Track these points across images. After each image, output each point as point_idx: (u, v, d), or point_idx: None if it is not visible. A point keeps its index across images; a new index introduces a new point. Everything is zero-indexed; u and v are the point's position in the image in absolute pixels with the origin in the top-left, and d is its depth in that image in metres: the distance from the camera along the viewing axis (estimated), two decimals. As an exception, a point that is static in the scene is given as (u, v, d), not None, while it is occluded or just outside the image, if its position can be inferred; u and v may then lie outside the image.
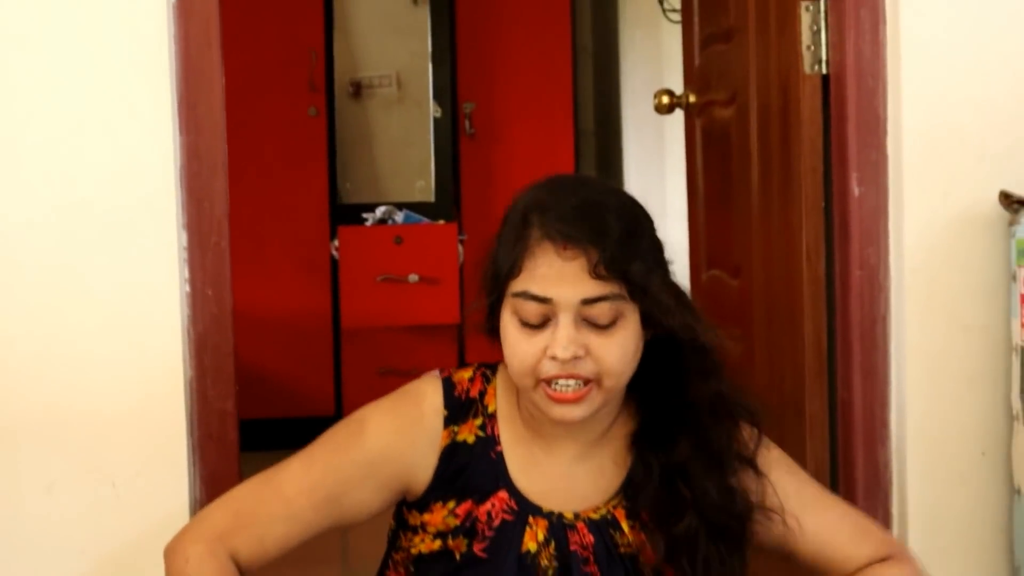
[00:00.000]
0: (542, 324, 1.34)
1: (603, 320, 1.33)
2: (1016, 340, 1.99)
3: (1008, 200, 2.01)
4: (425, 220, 4.86)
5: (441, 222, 4.82)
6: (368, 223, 4.88)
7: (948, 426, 2.07)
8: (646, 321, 1.37)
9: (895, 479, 2.08)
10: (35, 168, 1.87)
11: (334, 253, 4.84)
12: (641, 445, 1.43)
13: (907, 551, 1.40)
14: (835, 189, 2.13)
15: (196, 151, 1.91)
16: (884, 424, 2.08)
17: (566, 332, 1.32)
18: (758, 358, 2.50)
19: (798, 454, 2.20)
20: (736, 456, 1.43)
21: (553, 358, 1.32)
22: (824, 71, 2.15)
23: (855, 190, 2.08)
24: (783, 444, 2.27)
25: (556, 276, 1.32)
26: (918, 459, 2.06)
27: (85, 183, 1.88)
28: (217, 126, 1.92)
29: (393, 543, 1.51)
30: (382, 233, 4.84)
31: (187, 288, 1.93)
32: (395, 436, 1.45)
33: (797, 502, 1.45)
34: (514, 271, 1.35)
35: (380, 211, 4.88)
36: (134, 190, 1.90)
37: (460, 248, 4.65)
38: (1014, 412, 2.01)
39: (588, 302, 1.32)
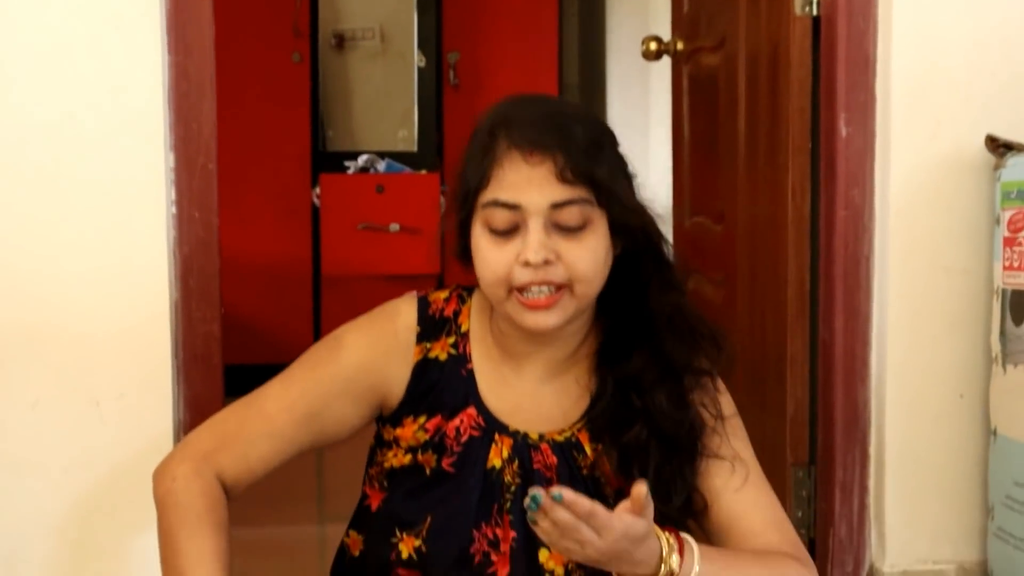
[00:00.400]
0: (512, 232, 1.35)
1: (572, 223, 1.34)
2: (997, 283, 2.01)
3: (994, 144, 2.03)
4: (407, 170, 4.83)
5: (423, 172, 4.80)
6: (350, 171, 4.85)
7: (927, 367, 2.09)
8: (615, 230, 1.38)
9: (873, 419, 2.10)
10: (21, 84, 1.86)
11: (315, 200, 4.81)
12: (602, 362, 1.44)
13: (811, 561, 1.40)
14: (822, 129, 2.14)
15: (185, 71, 1.90)
16: (864, 364, 2.10)
17: (536, 237, 1.33)
18: (740, 301, 2.51)
19: (778, 395, 2.22)
20: (692, 371, 1.43)
21: (525, 264, 1.33)
22: (815, 12, 2.15)
23: (842, 131, 2.09)
24: (764, 385, 2.31)
25: (524, 182, 1.33)
26: (897, 399, 2.09)
27: (72, 100, 1.87)
28: (206, 47, 1.91)
29: (371, 459, 1.53)
30: (364, 182, 4.80)
31: (173, 210, 1.92)
32: (370, 351, 1.46)
33: (724, 480, 1.44)
34: (483, 183, 1.36)
35: (362, 159, 4.85)
36: (121, 109, 1.88)
37: (442, 199, 4.63)
38: (993, 354, 2.03)
39: (557, 206, 1.33)
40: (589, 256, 1.35)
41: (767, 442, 2.29)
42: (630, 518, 1.17)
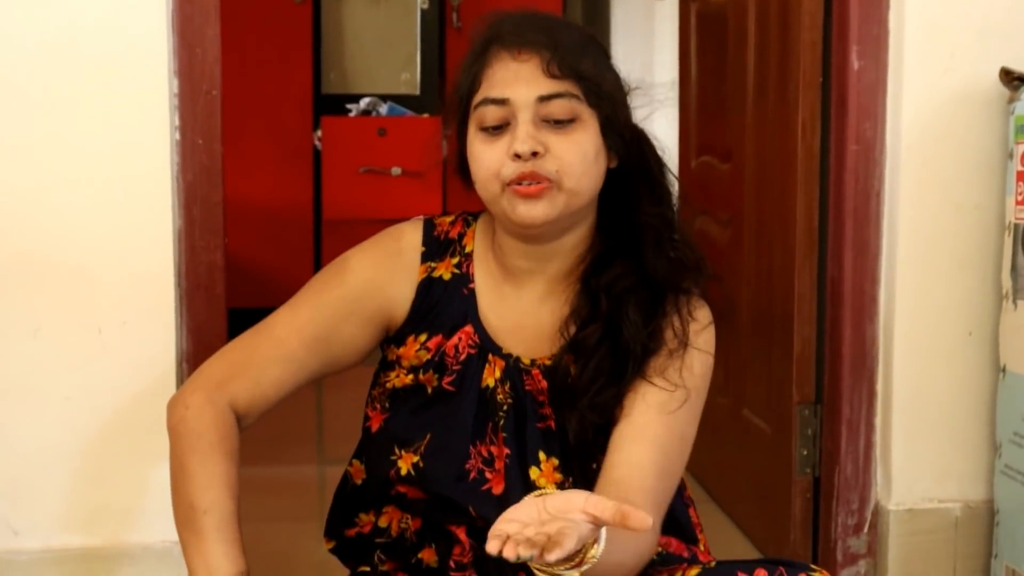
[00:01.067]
0: (503, 128, 1.35)
1: (561, 116, 1.35)
2: (1009, 218, 1.99)
3: (1008, 77, 2.00)
4: (409, 113, 4.80)
5: (426, 116, 4.77)
6: (352, 114, 4.82)
7: (936, 304, 2.07)
8: (607, 135, 1.38)
9: (881, 357, 2.09)
10: (22, 6, 1.82)
11: (317, 144, 4.78)
12: (586, 274, 1.44)
13: (657, 527, 1.35)
14: (834, 62, 2.11)
15: (189, -5, 1.87)
16: (873, 301, 2.08)
17: (524, 129, 1.34)
18: (747, 241, 2.49)
19: (785, 334, 2.21)
20: (671, 288, 1.41)
21: (515, 156, 1.33)
22: (828, -57, 2.11)
23: (854, 64, 2.05)
24: (771, 325, 2.29)
25: (512, 77, 1.35)
26: (905, 337, 2.07)
27: (73, 24, 1.84)
28: (210, -30, 1.87)
29: (374, 382, 1.53)
30: (366, 125, 4.78)
31: (177, 136, 1.89)
32: (375, 271, 1.47)
33: (658, 403, 1.40)
34: (474, 86, 1.38)
35: (364, 102, 4.82)
36: (124, 33, 1.85)
37: (444, 142, 4.59)
38: (1003, 291, 2.01)
39: (544, 99, 1.34)
40: (577, 150, 1.35)
41: (774, 381, 2.30)
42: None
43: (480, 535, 1.40)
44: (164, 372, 1.90)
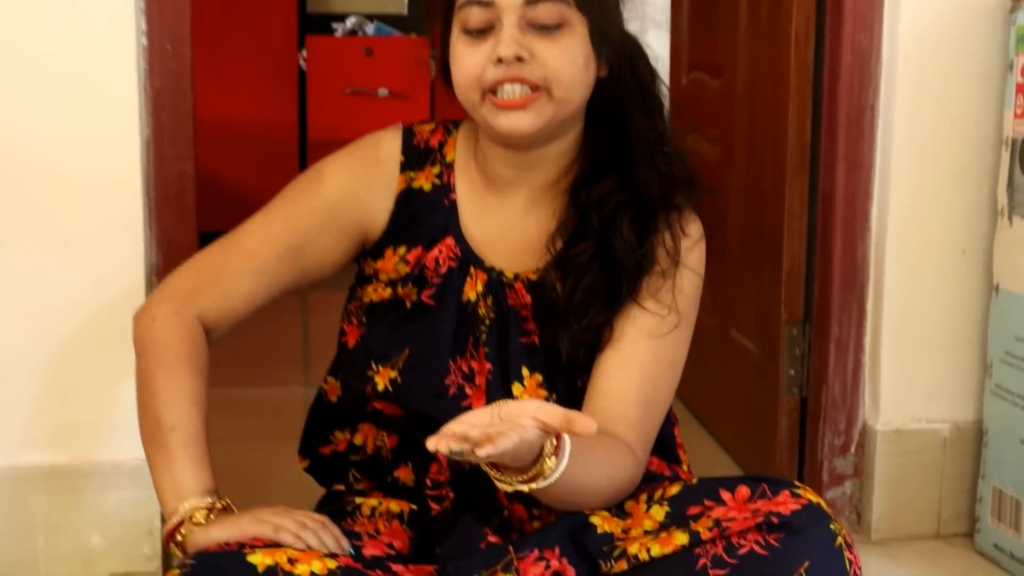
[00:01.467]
0: (487, 32, 1.30)
1: (548, 20, 1.29)
2: (1007, 132, 1.93)
3: (1010, -15, 1.93)
4: (397, 33, 4.71)
5: (413, 36, 4.68)
6: (338, 34, 4.72)
7: (930, 221, 2.02)
8: (596, 43, 1.32)
9: (872, 275, 2.04)
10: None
11: (302, 64, 4.70)
12: (575, 187, 1.39)
13: (644, 458, 1.33)
14: (830, -30, 2.03)
15: None
16: (865, 217, 2.03)
17: (509, 32, 1.28)
18: (737, 157, 2.43)
19: (774, 251, 2.16)
20: (663, 204, 1.37)
21: (498, 61, 1.28)
22: None
23: (851, -30, 1.98)
24: (760, 242, 2.24)
25: None
26: (897, 255, 2.02)
27: (34, -79, 1.75)
28: None
29: (350, 296, 1.48)
30: (352, 45, 4.69)
31: (144, 41, 1.82)
32: (352, 180, 1.41)
33: (648, 328, 1.36)
34: None
35: (350, 22, 4.73)
36: (87, -69, 1.77)
37: (432, 63, 4.51)
38: (999, 207, 1.96)
39: (531, 2, 1.28)
40: (565, 56, 1.30)
41: (762, 300, 2.25)
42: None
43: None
44: (132, 285, 1.84)
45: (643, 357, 1.33)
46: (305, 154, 4.70)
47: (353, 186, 1.41)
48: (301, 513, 1.28)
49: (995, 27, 1.96)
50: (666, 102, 1.43)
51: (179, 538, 1.28)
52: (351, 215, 1.41)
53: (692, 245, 1.38)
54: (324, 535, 1.25)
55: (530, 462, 1.13)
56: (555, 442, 1.14)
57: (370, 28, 4.71)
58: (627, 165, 1.37)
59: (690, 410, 2.63)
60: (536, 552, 1.26)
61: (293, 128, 4.72)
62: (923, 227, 2.02)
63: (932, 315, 2.04)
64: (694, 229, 1.39)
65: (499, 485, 1.15)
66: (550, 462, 1.12)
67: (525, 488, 1.15)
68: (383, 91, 4.60)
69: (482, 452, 1.02)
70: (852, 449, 2.06)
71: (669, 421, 1.46)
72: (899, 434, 2.04)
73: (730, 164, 2.45)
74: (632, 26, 1.42)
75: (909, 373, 2.04)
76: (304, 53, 4.64)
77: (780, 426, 2.13)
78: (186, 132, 1.86)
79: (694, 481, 1.33)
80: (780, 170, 2.16)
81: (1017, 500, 1.88)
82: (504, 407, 1.08)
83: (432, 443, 1.03)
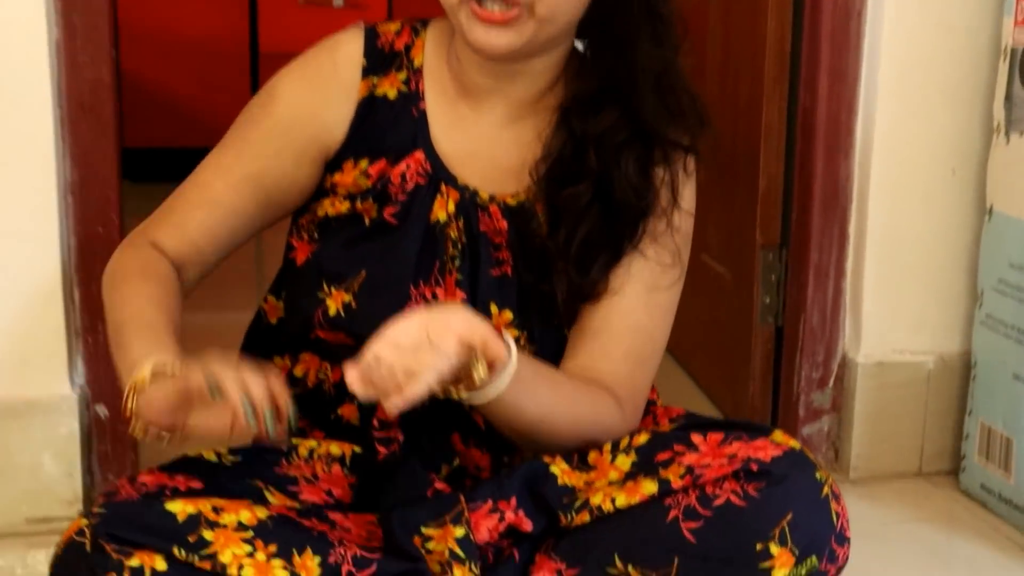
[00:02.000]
0: None
1: None
2: (1006, 41, 1.78)
3: None
4: (352, -62, 4.47)
5: (370, -60, 4.45)
6: (290, -63, 4.48)
7: (918, 138, 1.88)
8: None
9: (855, 196, 1.90)
10: None
11: (252, -30, 4.46)
12: (567, 113, 1.26)
13: (634, 415, 1.24)
14: None
15: None
16: (849, 134, 1.88)
17: None
18: (710, 66, 2.26)
19: (750, 170, 2.02)
20: (670, 143, 1.25)
21: None
22: None
23: None
24: (734, 160, 2.09)
25: None
26: (882, 174, 1.88)
27: None
28: None
29: (303, 209, 1.33)
30: (305, -51, 4.46)
31: (50, -73, 1.63)
32: (307, 95, 1.28)
33: (646, 281, 1.25)
34: None
35: (303, -75, 4.48)
36: None
37: (390, -30, 4.31)
38: (995, 123, 1.81)
39: None
40: None
41: (735, 223, 2.12)
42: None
43: None
44: (46, 204, 1.67)
45: (638, 314, 1.24)
46: (257, 67, 4.48)
47: (308, 102, 1.28)
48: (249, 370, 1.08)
49: (994, -76, 1.80)
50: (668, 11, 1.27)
51: (130, 415, 1.10)
52: (307, 134, 1.28)
53: (688, 180, 1.28)
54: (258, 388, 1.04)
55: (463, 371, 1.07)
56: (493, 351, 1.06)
57: (325, -68, 4.47)
58: (629, 97, 1.24)
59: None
60: (490, 503, 1.15)
61: (244, 39, 4.49)
62: (911, 145, 1.88)
63: (919, 239, 1.91)
64: (692, 166, 1.29)
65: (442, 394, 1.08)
66: (478, 368, 1.06)
67: (455, 395, 1.08)
68: (338, 0, 4.38)
69: (389, 406, 0.98)
70: (831, 382, 1.94)
71: None
72: (881, 366, 1.92)
73: (702, 74, 2.28)
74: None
75: (893, 302, 1.92)
76: (254, -41, 4.41)
77: (754, 357, 2.02)
78: (102, 34, 1.68)
79: (664, 426, 1.21)
80: (757, 81, 2.00)
81: (1008, 438, 1.75)
82: (432, 323, 1.03)
83: (349, 378, 1.01)
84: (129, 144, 4.48)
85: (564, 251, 1.23)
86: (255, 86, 4.48)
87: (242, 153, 1.28)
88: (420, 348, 1.01)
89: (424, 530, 1.12)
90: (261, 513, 1.08)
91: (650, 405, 1.33)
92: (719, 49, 2.22)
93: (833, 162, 1.88)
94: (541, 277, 1.24)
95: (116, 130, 1.73)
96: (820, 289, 1.91)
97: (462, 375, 1.06)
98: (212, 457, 1.20)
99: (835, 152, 1.88)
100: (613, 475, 1.15)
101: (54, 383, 1.70)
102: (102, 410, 1.74)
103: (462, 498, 1.15)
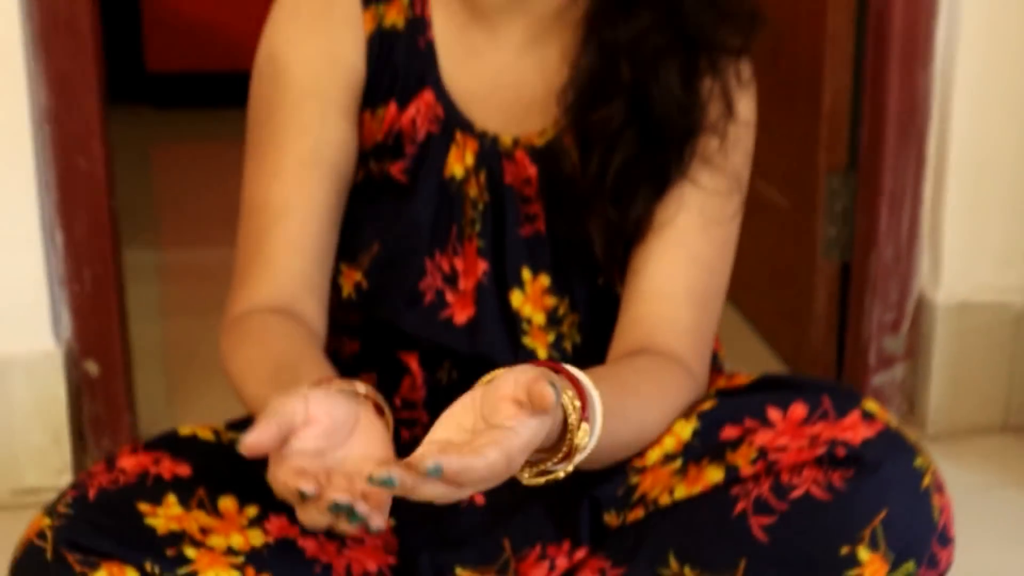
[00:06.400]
0: None
1: None
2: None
3: None
4: None
5: None
6: None
7: (1010, 44, 1.70)
8: None
9: (936, 113, 1.74)
10: None
11: None
12: (594, 22, 1.09)
13: (704, 371, 1.08)
14: None
15: None
16: (928, 41, 1.71)
17: None
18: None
19: (812, 83, 1.90)
20: (717, 46, 1.08)
21: None
22: None
23: None
24: (794, 71, 1.93)
25: None
26: (967, 88, 1.71)
27: None
28: None
29: None
30: None
31: None
32: (312, 39, 1.10)
33: (702, 210, 1.09)
34: None
35: None
36: None
37: None
38: (1099, 26, 1.59)
39: None
40: None
41: (794, 143, 1.97)
42: (521, 430, 0.79)
43: (436, 362, 1.09)
44: (18, 134, 1.53)
45: (696, 245, 1.09)
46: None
47: (317, 48, 1.09)
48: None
49: None
50: None
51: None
52: (338, 83, 1.09)
53: (743, 89, 1.11)
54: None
55: (555, 440, 0.84)
56: (578, 403, 0.85)
57: None
58: None
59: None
60: (538, 548, 1.01)
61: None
62: (1002, 54, 1.71)
63: (1008, 163, 1.74)
64: (748, 73, 1.11)
65: (525, 482, 0.86)
66: (582, 433, 0.84)
67: (561, 473, 0.86)
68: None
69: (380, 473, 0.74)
70: (905, 325, 1.79)
71: None
72: (963, 308, 1.76)
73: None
74: None
75: (978, 233, 1.76)
76: None
77: (817, 297, 1.88)
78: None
79: (734, 385, 1.05)
80: (821, -20, 1.82)
81: (1112, 391, 1.56)
82: (485, 396, 0.80)
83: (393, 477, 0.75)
84: (152, 68, 4.40)
85: (598, 185, 1.06)
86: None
87: (281, 142, 1.09)
88: (484, 423, 0.81)
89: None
90: (256, 539, 0.93)
91: (713, 360, 1.16)
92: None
93: (910, 75, 1.72)
94: (578, 226, 1.08)
95: (97, 47, 1.58)
96: (894, 219, 1.76)
97: (557, 445, 0.86)
98: (208, 436, 1.03)
99: (913, 63, 1.72)
100: (670, 443, 0.99)
101: (36, 338, 1.57)
102: (92, 366, 1.61)
103: (506, 544, 1.01)
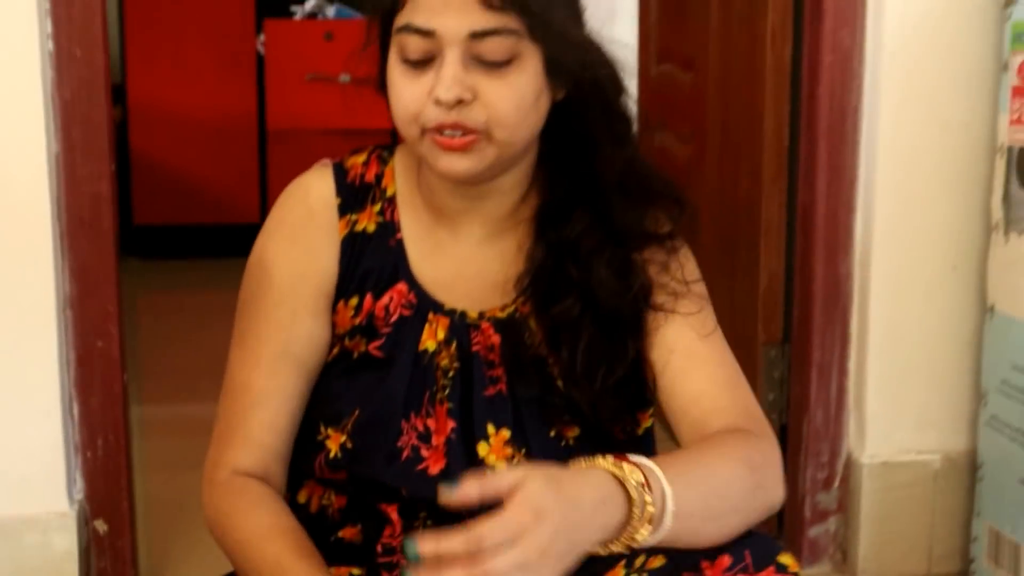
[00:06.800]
0: (427, 63, 1.14)
1: (496, 57, 1.13)
2: (1002, 139, 1.77)
3: (1006, -23, 1.77)
4: (358, 16, 4.53)
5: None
6: (296, 17, 4.55)
7: (918, 236, 1.88)
8: (552, 70, 1.17)
9: (856, 293, 1.90)
10: None
11: (260, 49, 4.52)
12: (541, 223, 1.25)
13: (766, 428, 1.19)
14: (809, -40, 1.87)
15: None
16: (848, 231, 1.89)
17: (451, 71, 1.12)
18: (709, 160, 2.27)
19: (750, 265, 2.02)
20: (642, 235, 1.23)
21: (437, 102, 1.12)
22: None
23: (832, -39, 1.82)
24: (734, 255, 2.09)
25: (441, 5, 1.12)
26: (883, 272, 1.89)
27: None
28: None
29: None
30: (312, 28, 4.52)
31: (50, 46, 1.66)
32: (295, 251, 1.26)
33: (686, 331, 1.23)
34: (398, 3, 1.15)
35: (310, 4, 4.56)
36: (-18, -75, 1.59)
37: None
38: (993, 221, 1.80)
39: (477, 36, 1.12)
40: (512, 96, 1.13)
41: (736, 318, 2.10)
42: (518, 499, 0.93)
43: (413, 514, 1.22)
44: (44, 319, 1.69)
45: (703, 351, 1.20)
46: (265, 143, 4.53)
47: (298, 258, 1.25)
48: None
49: (988, 24, 1.82)
50: (633, 107, 1.26)
51: None
52: (311, 287, 1.25)
53: (680, 259, 1.25)
54: None
55: (623, 513, 0.99)
56: (638, 473, 0.99)
57: (330, 11, 4.53)
58: (596, 200, 1.23)
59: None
60: None
61: (252, 116, 4.54)
62: (911, 242, 1.89)
63: (921, 337, 1.90)
64: (680, 244, 1.26)
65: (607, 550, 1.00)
66: (648, 497, 0.98)
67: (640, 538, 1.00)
68: (345, 77, 4.40)
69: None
70: (836, 482, 1.93)
71: (653, 441, 1.32)
72: (887, 466, 1.91)
73: (702, 166, 2.29)
74: (600, 12, 1.28)
75: (897, 400, 1.91)
76: (262, 38, 4.46)
77: None
78: (101, 148, 1.70)
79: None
80: (756, 177, 2.01)
81: (1017, 544, 1.73)
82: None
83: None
84: (139, 222, 4.58)
85: (570, 370, 1.21)
86: (263, 162, 4.52)
87: (262, 335, 1.25)
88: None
89: None
90: None
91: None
92: (718, 141, 2.23)
93: (833, 259, 1.89)
94: (537, 388, 1.22)
95: (115, 244, 1.74)
96: (823, 387, 1.91)
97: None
98: None
99: (835, 249, 1.89)
100: None
101: (52, 500, 1.70)
102: (101, 525, 1.74)
103: None
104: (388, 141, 1.37)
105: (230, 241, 4.66)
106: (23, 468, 1.69)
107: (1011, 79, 1.74)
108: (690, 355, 1.20)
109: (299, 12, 4.54)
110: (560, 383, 1.23)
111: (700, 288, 1.26)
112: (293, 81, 4.49)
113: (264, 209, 4.49)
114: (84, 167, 1.69)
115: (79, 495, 1.72)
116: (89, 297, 1.71)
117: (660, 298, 1.22)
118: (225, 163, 4.50)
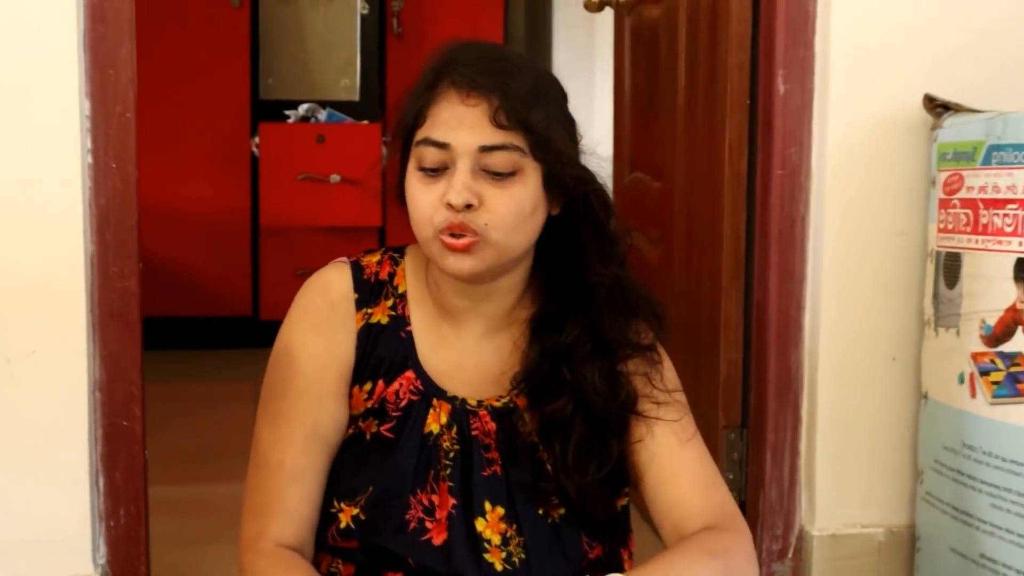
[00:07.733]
0: (441, 172, 1.32)
1: (501, 168, 1.30)
2: (931, 245, 1.99)
3: (932, 104, 2.00)
4: (349, 120, 4.75)
5: (365, 122, 4.72)
6: (290, 120, 4.76)
7: (860, 330, 2.07)
8: (550, 186, 1.34)
9: (806, 382, 2.08)
10: (-72, 26, 1.77)
11: (254, 150, 4.72)
12: (536, 328, 1.41)
13: (740, 523, 1.34)
14: (761, 86, 2.10)
15: (101, 15, 1.83)
16: (798, 326, 2.08)
17: (461, 179, 1.29)
18: (676, 260, 2.48)
19: (712, 356, 2.19)
20: (631, 346, 1.39)
21: (448, 205, 1.30)
22: (755, -35, 2.11)
23: (780, 87, 2.05)
24: (698, 347, 2.28)
25: (457, 122, 1.30)
26: (829, 362, 2.07)
27: (-19, 44, 1.79)
28: (124, -11, 1.83)
29: None
30: (304, 131, 4.71)
31: (89, 159, 1.85)
32: (319, 341, 1.40)
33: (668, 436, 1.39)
34: (419, 120, 1.33)
35: (303, 108, 4.76)
36: (33, 53, 1.81)
37: (384, 149, 4.56)
38: (925, 318, 2.01)
39: (486, 150, 1.30)
40: (512, 204, 1.31)
41: (700, 404, 2.27)
42: None
43: None
44: (76, 402, 1.86)
45: (682, 455, 1.35)
46: (258, 240, 4.71)
47: (322, 348, 1.40)
48: None
49: (918, 144, 2.03)
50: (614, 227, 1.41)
51: None
52: (333, 373, 1.40)
53: (659, 367, 1.42)
54: None
55: None
56: None
57: (322, 115, 4.75)
58: (586, 312, 1.38)
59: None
60: None
61: (246, 214, 4.73)
62: (854, 336, 2.07)
63: (865, 421, 2.08)
64: (661, 354, 1.42)
65: None
66: None
67: None
68: (335, 177, 4.63)
69: None
70: (790, 554, 2.09)
71: (628, 517, 1.46)
72: (835, 539, 2.07)
73: (670, 266, 2.50)
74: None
75: (844, 478, 2.08)
76: (256, 140, 4.67)
77: None
78: (131, 249, 1.89)
79: None
80: (716, 277, 2.21)
81: (948, 608, 1.91)
82: None
83: None
84: (146, 314, 4.71)
85: (563, 464, 1.35)
86: (256, 258, 4.70)
87: (292, 417, 1.37)
88: None
89: None
90: None
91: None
92: (683, 244, 2.44)
93: (785, 352, 2.07)
94: (529, 472, 1.37)
95: (141, 334, 1.92)
96: (777, 467, 2.08)
97: None
98: None
99: (787, 342, 2.07)
100: None
101: (79, 564, 1.85)
102: None
103: None
104: (373, 239, 1.55)
105: (224, 333, 4.84)
106: (53, 534, 1.84)
107: (938, 192, 1.97)
108: (671, 460, 1.35)
109: (292, 116, 4.75)
110: (550, 468, 1.36)
111: (681, 396, 1.42)
112: (285, 181, 4.66)
113: (255, 302, 4.67)
114: (115, 265, 1.88)
115: (102, 560, 1.87)
116: (117, 381, 1.88)
117: (645, 406, 1.37)
118: (220, 258, 4.66)
